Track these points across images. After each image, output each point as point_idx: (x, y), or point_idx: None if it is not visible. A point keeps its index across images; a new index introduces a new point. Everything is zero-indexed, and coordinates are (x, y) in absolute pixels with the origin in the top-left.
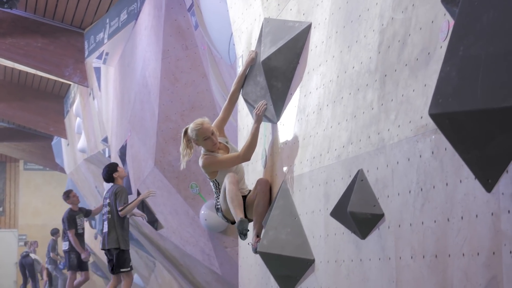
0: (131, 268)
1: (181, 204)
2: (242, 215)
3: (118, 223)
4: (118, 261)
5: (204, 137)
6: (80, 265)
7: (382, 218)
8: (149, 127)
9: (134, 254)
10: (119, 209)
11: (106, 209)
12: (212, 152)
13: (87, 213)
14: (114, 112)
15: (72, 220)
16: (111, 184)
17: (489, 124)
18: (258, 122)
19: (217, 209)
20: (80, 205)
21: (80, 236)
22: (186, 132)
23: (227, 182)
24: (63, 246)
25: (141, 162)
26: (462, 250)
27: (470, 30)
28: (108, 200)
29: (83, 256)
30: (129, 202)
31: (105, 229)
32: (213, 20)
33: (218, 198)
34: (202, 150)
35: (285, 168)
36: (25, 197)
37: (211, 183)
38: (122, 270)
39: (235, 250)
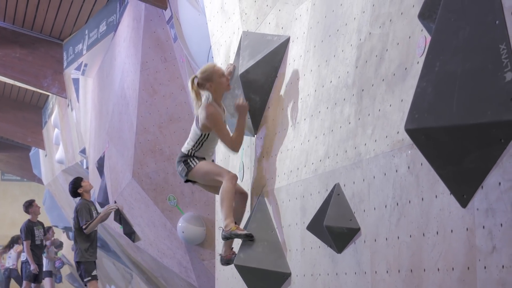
0: (94, 278)
1: (158, 216)
2: (233, 223)
3: (80, 238)
4: (81, 272)
5: (221, 74)
6: (36, 277)
7: (358, 232)
8: (127, 138)
9: (111, 266)
10: (83, 227)
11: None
12: (216, 104)
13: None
14: (92, 124)
15: (30, 230)
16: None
17: (464, 140)
18: (240, 114)
19: (184, 162)
20: (57, 217)
21: (37, 247)
22: (193, 81)
23: (228, 179)
24: (21, 256)
25: (118, 174)
26: (437, 265)
27: (447, 46)
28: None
29: (32, 267)
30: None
31: None
32: (192, 33)
33: (193, 149)
34: (206, 99)
35: (262, 181)
36: (2, 208)
37: (197, 131)
38: (85, 280)
39: (212, 263)
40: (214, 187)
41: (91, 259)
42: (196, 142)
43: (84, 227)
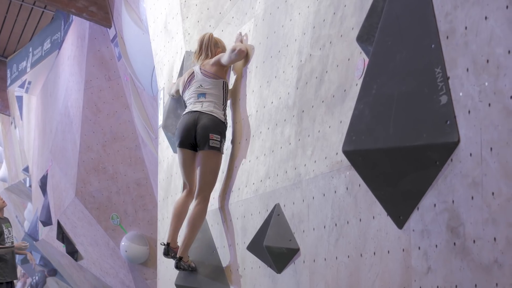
0: None
1: (101, 235)
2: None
3: None
4: None
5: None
6: None
7: (297, 253)
8: (71, 157)
9: (55, 285)
10: None
11: None
12: None
13: None
14: (36, 142)
15: None
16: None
17: (400, 162)
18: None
19: (221, 135)
20: None
21: None
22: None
23: (207, 200)
24: None
25: (62, 192)
26: (374, 285)
27: (384, 69)
28: None
29: None
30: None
31: None
32: (136, 52)
33: (224, 109)
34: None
35: None
36: None
37: (213, 88)
38: None
39: (155, 282)
40: (193, 171)
41: (2, 279)
42: (223, 100)
43: None
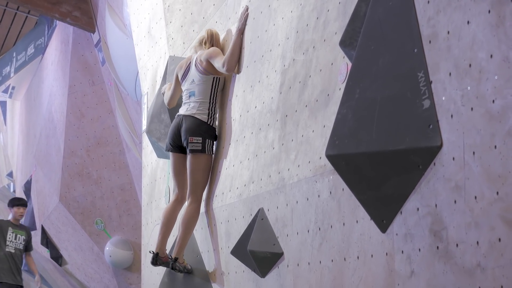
0: None
1: (85, 240)
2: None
3: None
4: None
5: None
6: None
7: (281, 257)
8: (55, 162)
9: None
10: None
11: None
12: None
13: None
14: (20, 147)
15: None
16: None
17: (383, 166)
18: (239, 31)
19: (203, 137)
20: None
21: None
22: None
23: (199, 204)
24: None
25: (46, 198)
26: None
27: (367, 73)
28: None
29: None
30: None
31: None
32: (120, 56)
33: (211, 110)
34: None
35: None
36: None
37: (205, 78)
38: None
39: (139, 287)
40: (184, 175)
41: None
42: (211, 96)
43: None
